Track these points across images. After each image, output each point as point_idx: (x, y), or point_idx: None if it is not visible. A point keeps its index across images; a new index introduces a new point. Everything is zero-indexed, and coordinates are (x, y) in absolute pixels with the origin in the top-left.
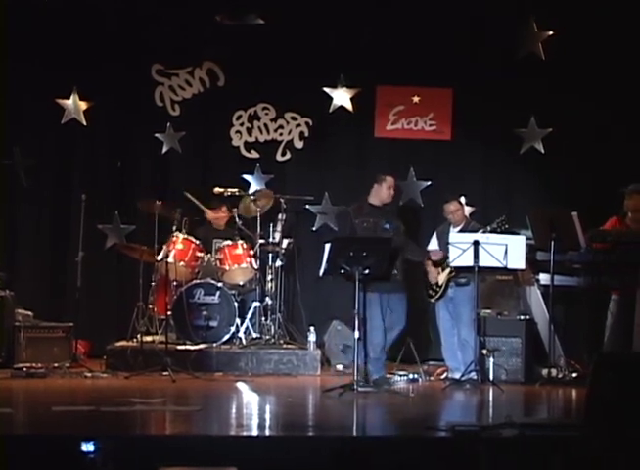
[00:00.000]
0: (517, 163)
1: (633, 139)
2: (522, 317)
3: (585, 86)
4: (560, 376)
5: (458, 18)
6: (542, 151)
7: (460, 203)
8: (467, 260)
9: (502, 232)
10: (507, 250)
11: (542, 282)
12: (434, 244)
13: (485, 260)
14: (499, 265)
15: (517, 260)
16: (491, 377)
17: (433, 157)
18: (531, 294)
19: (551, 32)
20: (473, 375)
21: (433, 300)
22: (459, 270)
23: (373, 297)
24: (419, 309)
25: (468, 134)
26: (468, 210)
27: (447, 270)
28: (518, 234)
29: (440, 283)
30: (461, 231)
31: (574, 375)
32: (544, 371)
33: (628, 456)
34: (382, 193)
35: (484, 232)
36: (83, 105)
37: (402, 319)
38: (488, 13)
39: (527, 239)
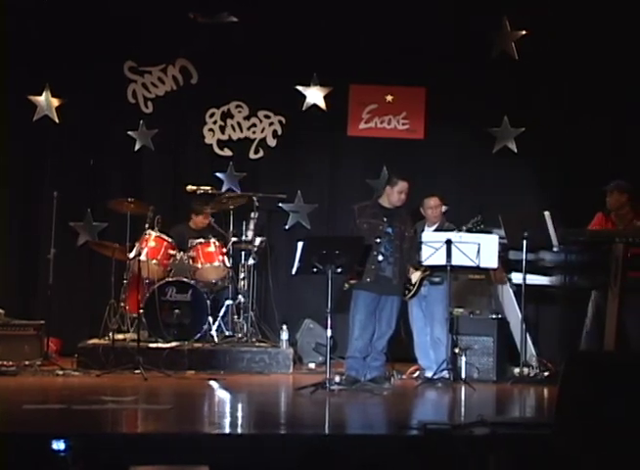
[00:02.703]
0: (489, 162)
1: (606, 138)
2: (494, 316)
3: (558, 86)
4: (532, 375)
5: (431, 17)
6: (515, 150)
7: (441, 200)
8: (440, 259)
9: (478, 232)
10: (479, 249)
11: (514, 281)
12: None
13: (458, 259)
14: (472, 264)
15: (489, 260)
16: (463, 376)
17: (405, 155)
18: (504, 293)
19: (524, 32)
20: (445, 374)
21: (406, 298)
22: (433, 269)
23: (362, 295)
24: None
25: (441, 133)
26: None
27: (421, 269)
28: (492, 233)
29: (414, 281)
30: (436, 230)
31: (546, 374)
32: (516, 370)
33: (599, 456)
34: (392, 196)
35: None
36: (55, 102)
37: (392, 323)
38: (461, 12)
39: (500, 238)
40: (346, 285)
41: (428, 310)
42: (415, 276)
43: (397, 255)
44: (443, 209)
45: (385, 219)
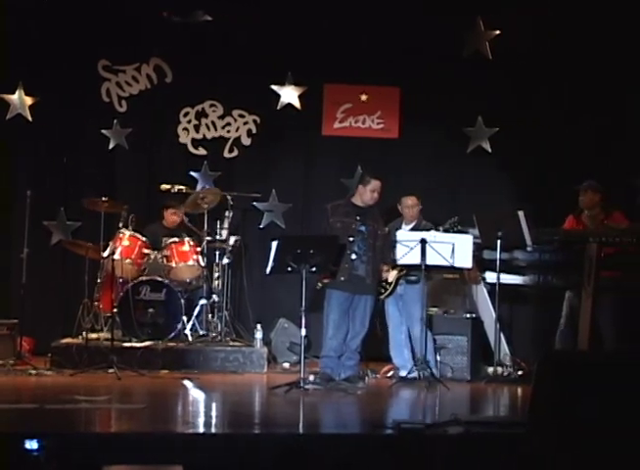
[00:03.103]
0: (464, 161)
1: (580, 138)
2: (468, 315)
3: (531, 86)
4: (505, 374)
5: (405, 17)
6: (489, 150)
7: (418, 199)
8: (414, 259)
9: (455, 233)
10: (454, 248)
11: (489, 280)
12: None
13: (433, 259)
14: (446, 264)
15: (464, 259)
16: (437, 375)
17: (380, 155)
18: (478, 292)
19: (497, 32)
20: (418, 373)
21: (382, 297)
22: (409, 268)
23: (335, 294)
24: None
25: (415, 133)
26: None
27: (397, 268)
28: (468, 234)
29: (390, 280)
30: (413, 229)
31: (520, 373)
32: (490, 369)
33: (573, 455)
34: (365, 195)
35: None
36: (29, 100)
37: (366, 323)
38: (436, 12)
39: (474, 238)
40: (319, 284)
41: (404, 309)
42: (391, 275)
43: (370, 253)
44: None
45: (357, 218)
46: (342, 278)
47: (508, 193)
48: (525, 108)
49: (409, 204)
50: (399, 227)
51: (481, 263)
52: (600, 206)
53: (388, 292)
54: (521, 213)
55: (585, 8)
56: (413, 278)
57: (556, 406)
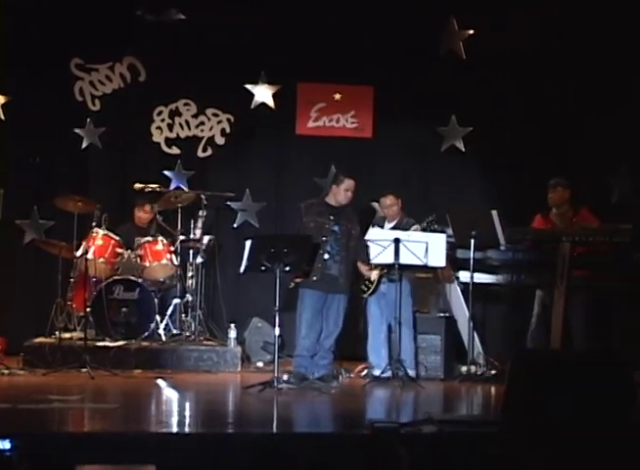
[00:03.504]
0: (437, 161)
1: (553, 138)
2: (442, 315)
3: (505, 85)
4: (479, 373)
5: (379, 15)
6: (462, 149)
7: (396, 197)
8: (388, 258)
9: (432, 231)
10: (427, 247)
11: (462, 280)
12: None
13: (406, 258)
14: (420, 263)
15: (437, 258)
16: (414, 375)
17: (354, 154)
18: (451, 291)
19: (471, 32)
20: (392, 372)
21: (365, 295)
22: (390, 267)
23: (308, 293)
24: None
25: (389, 132)
26: None
27: (379, 267)
28: (445, 233)
29: (372, 279)
30: (395, 227)
31: (493, 372)
32: (463, 368)
33: (545, 454)
34: (339, 194)
35: (416, 230)
36: (1, 99)
37: (339, 322)
38: (409, 10)
39: (448, 237)
40: (292, 284)
41: (387, 308)
42: (374, 274)
43: (344, 253)
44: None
45: (331, 218)
46: (315, 278)
47: (481, 192)
48: (498, 107)
49: (387, 203)
50: (382, 225)
51: (455, 263)
52: (569, 203)
53: (370, 290)
54: (494, 213)
55: (561, 7)
56: (395, 276)
57: (529, 405)
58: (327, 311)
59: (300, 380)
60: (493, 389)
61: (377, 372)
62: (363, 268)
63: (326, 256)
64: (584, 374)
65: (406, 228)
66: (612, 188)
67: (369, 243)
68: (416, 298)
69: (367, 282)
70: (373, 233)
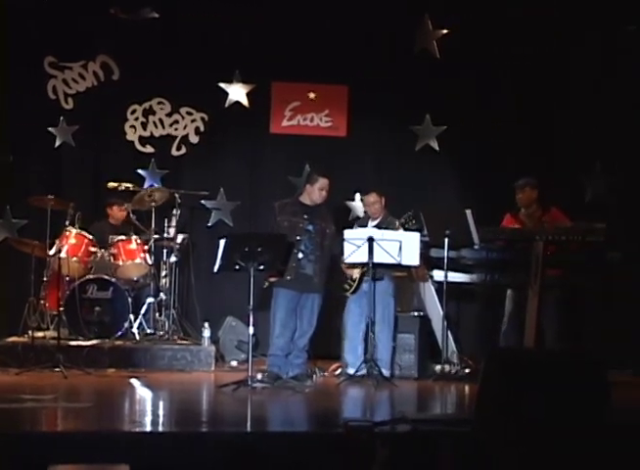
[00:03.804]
0: (412, 160)
1: (527, 137)
2: (416, 314)
3: (479, 85)
4: (453, 372)
5: (353, 14)
6: (437, 148)
7: (379, 195)
8: (362, 257)
9: (409, 229)
10: (401, 246)
11: (436, 278)
12: None
13: (380, 257)
14: (394, 262)
15: (411, 257)
16: (388, 374)
17: (328, 153)
18: (425, 290)
19: (445, 31)
20: (367, 371)
21: (348, 294)
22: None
23: (282, 293)
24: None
25: (363, 131)
26: (361, 206)
27: (359, 265)
28: (422, 230)
29: (354, 277)
30: (377, 225)
31: (467, 371)
32: (437, 367)
33: (518, 452)
34: (313, 193)
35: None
36: None
37: (313, 321)
38: (384, 9)
39: (422, 236)
40: (266, 283)
41: (368, 307)
42: (355, 272)
43: (318, 252)
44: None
45: (305, 217)
46: (289, 277)
47: (456, 191)
48: (472, 106)
49: (370, 201)
50: (366, 224)
51: (429, 261)
52: (537, 202)
53: (352, 289)
54: (468, 212)
55: (533, 7)
56: (377, 275)
57: (502, 404)
58: (301, 311)
59: (274, 379)
60: (467, 388)
61: (351, 371)
62: (344, 267)
63: (300, 255)
64: (558, 373)
65: (389, 226)
66: (586, 187)
67: (344, 242)
68: (398, 298)
69: (349, 280)
70: (348, 232)
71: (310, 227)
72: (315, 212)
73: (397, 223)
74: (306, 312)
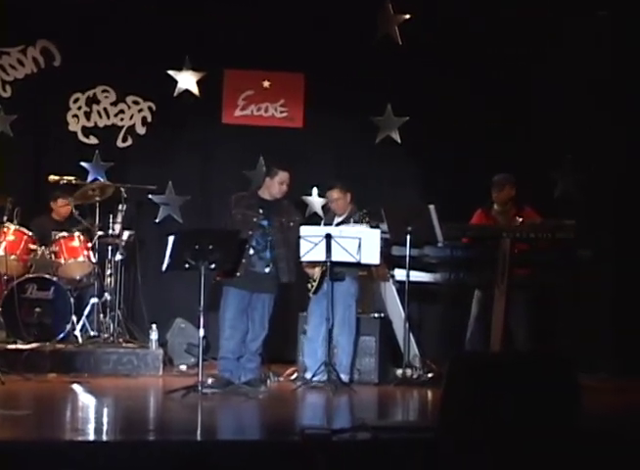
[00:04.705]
0: (372, 152)
1: (494, 130)
2: (376, 315)
3: (444, 73)
4: (415, 376)
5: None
6: (398, 140)
7: (342, 190)
8: (319, 255)
9: (365, 226)
10: (360, 244)
11: (398, 278)
12: None
13: (338, 255)
14: (352, 260)
15: (371, 255)
16: (347, 379)
17: (284, 145)
18: (386, 290)
19: (408, 16)
20: (328, 375)
21: (310, 293)
22: (333, 263)
23: (231, 292)
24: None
25: (320, 122)
26: (319, 201)
27: (320, 264)
28: (379, 228)
29: (315, 277)
30: (343, 222)
31: (430, 375)
32: (399, 371)
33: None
34: (273, 188)
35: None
36: None
37: (265, 324)
38: None
39: (383, 233)
40: (217, 278)
41: (327, 308)
42: (316, 271)
43: (273, 250)
44: (322, 201)
45: (260, 211)
46: (239, 274)
47: (418, 186)
48: (436, 96)
49: (333, 197)
50: (331, 222)
51: (390, 260)
52: (513, 200)
53: (314, 288)
54: (431, 208)
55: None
56: (338, 275)
57: (468, 409)
58: (252, 312)
59: (226, 384)
60: (430, 393)
61: (309, 375)
62: (304, 266)
63: (251, 251)
64: (527, 375)
65: (361, 221)
66: (555, 183)
67: (300, 239)
68: (360, 298)
69: (310, 280)
70: (304, 229)
71: (265, 222)
72: (274, 208)
73: (351, 220)
74: (257, 314)
